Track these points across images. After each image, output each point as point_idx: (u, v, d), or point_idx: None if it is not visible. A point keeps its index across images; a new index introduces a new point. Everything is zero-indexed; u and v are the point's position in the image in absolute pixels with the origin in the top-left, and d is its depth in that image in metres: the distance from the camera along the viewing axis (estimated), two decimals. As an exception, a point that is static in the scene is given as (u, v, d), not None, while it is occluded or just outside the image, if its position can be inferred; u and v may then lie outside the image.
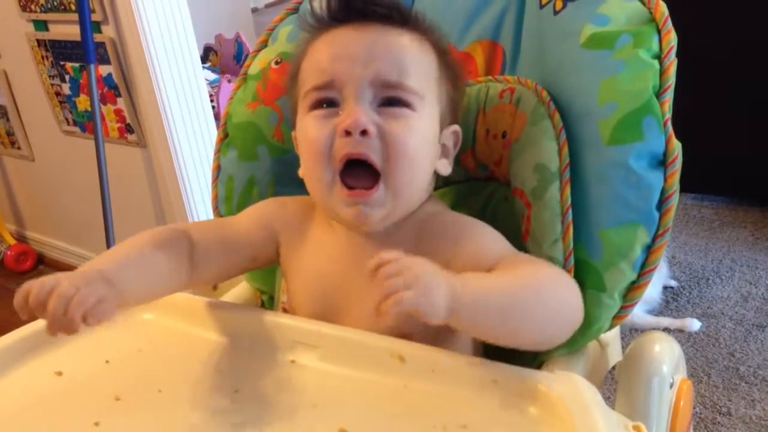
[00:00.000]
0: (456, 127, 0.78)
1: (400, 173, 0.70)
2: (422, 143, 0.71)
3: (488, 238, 0.73)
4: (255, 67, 0.94)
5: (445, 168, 0.77)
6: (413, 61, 0.72)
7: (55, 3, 1.94)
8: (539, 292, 0.66)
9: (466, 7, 0.88)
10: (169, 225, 0.77)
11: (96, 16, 1.84)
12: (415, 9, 0.77)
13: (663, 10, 0.73)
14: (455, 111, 0.78)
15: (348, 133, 0.68)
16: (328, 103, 0.71)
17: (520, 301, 0.64)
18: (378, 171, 0.69)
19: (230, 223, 0.82)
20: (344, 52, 0.71)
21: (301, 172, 0.77)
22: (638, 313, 1.79)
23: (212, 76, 2.59)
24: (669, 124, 0.70)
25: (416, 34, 0.74)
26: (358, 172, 0.70)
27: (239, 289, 0.93)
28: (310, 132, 0.71)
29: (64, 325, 0.58)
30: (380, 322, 0.58)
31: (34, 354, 0.74)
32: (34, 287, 0.58)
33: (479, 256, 0.70)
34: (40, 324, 0.77)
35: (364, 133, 0.68)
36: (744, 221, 2.19)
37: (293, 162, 0.89)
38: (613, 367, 0.82)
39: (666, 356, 0.76)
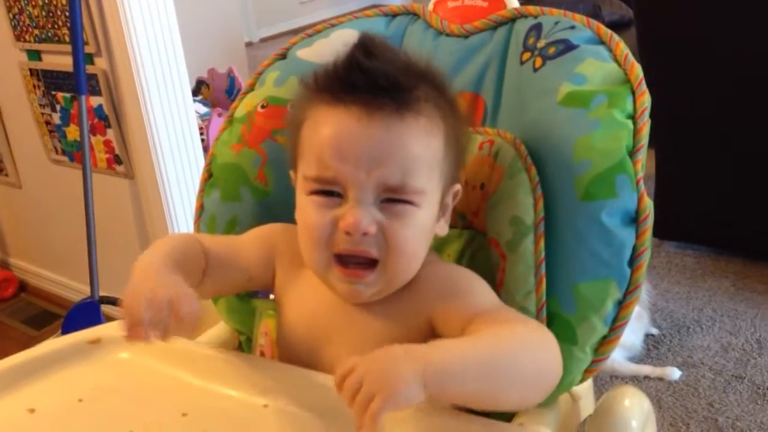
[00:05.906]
0: (457, 187, 0.77)
1: (398, 266, 0.71)
2: (421, 235, 0.72)
3: (476, 294, 0.73)
4: (241, 110, 0.95)
5: (442, 230, 0.77)
6: (418, 157, 0.70)
7: (49, 34, 1.96)
8: (517, 355, 0.65)
9: (449, 60, 0.90)
10: (183, 233, 0.79)
11: (89, 48, 1.85)
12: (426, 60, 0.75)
13: (638, 72, 0.75)
14: (459, 167, 0.77)
15: (349, 233, 0.69)
16: (329, 193, 0.71)
17: (498, 367, 0.63)
18: (376, 260, 0.71)
19: (236, 239, 0.85)
20: (348, 151, 0.68)
21: (297, 218, 0.77)
22: (620, 360, 1.79)
23: (203, 109, 2.61)
24: (641, 183, 0.72)
25: (424, 116, 0.70)
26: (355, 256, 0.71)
27: (217, 330, 0.93)
28: (310, 217, 0.72)
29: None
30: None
31: (7, 391, 0.74)
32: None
33: (465, 311, 0.71)
34: (13, 360, 0.77)
35: (364, 234, 0.69)
36: (726, 271, 2.20)
37: (274, 206, 0.91)
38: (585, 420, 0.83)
39: (636, 411, 0.77)
